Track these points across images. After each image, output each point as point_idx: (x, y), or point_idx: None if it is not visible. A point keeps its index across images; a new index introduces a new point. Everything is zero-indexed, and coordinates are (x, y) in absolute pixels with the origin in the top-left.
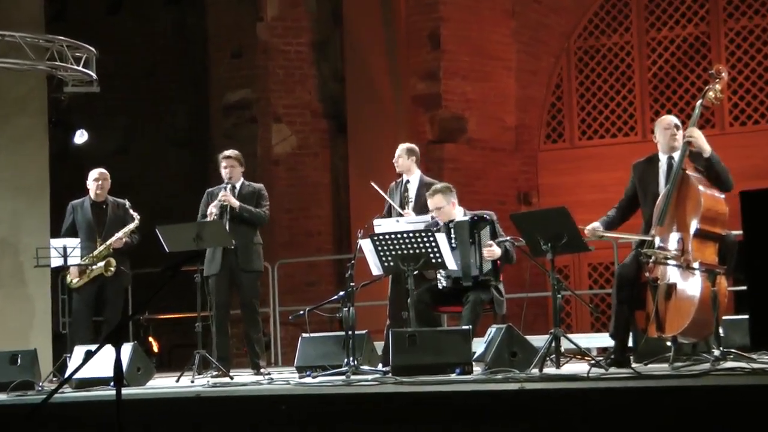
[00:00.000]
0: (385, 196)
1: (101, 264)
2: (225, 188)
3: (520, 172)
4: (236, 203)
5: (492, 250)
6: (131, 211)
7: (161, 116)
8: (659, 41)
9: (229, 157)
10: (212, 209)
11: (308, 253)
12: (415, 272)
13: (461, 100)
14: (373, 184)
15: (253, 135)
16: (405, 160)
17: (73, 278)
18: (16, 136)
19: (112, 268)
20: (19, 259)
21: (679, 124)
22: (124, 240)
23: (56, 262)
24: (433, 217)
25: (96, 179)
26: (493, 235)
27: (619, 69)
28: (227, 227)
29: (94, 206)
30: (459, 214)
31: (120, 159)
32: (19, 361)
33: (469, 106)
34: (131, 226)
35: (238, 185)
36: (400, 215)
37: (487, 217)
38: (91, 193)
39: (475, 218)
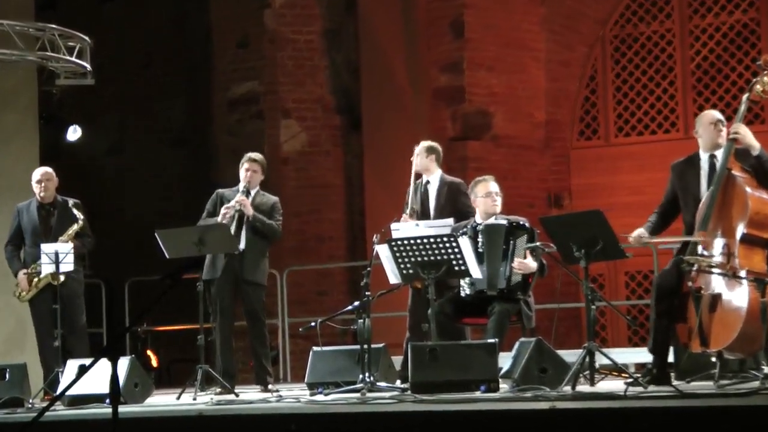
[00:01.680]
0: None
1: (47, 272)
2: (241, 192)
3: (551, 172)
4: (251, 211)
5: (526, 264)
6: (74, 210)
7: (158, 111)
8: (703, 29)
9: (254, 160)
10: (225, 210)
11: (319, 260)
12: (437, 280)
13: (486, 94)
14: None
15: (260, 132)
16: (423, 158)
17: (21, 291)
18: (3, 133)
19: (61, 276)
20: (5, 265)
21: (723, 119)
22: (71, 246)
23: (47, 269)
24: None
25: (38, 181)
26: (532, 250)
27: (660, 59)
28: (242, 235)
29: (40, 208)
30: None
31: (114, 157)
32: (7, 375)
33: (494, 100)
34: (74, 228)
35: (253, 192)
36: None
37: (527, 225)
38: (36, 195)
39: (513, 224)
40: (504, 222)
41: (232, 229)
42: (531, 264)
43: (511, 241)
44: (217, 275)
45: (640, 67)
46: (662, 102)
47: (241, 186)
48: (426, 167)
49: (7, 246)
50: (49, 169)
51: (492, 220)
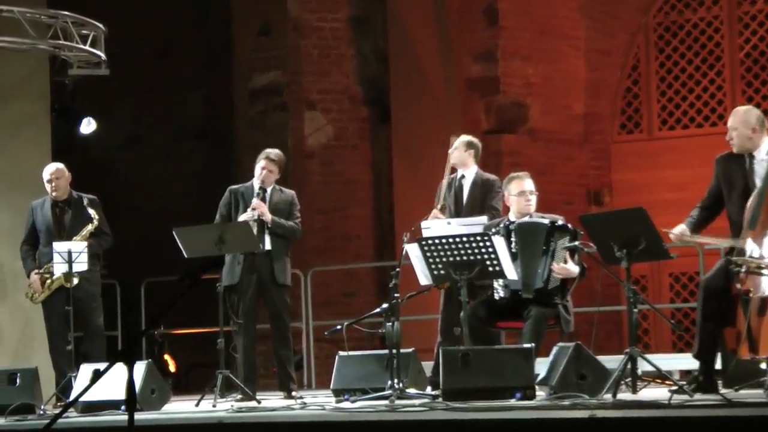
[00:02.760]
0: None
1: (60, 273)
2: (257, 195)
3: (590, 167)
4: (269, 217)
5: (567, 269)
6: (89, 209)
7: (176, 103)
8: (753, 15)
9: (272, 160)
10: (246, 217)
11: (346, 260)
12: (470, 282)
13: (522, 85)
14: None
15: (283, 124)
16: (461, 152)
17: (34, 292)
18: (14, 125)
19: (75, 278)
20: (17, 264)
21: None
22: (85, 245)
23: (60, 268)
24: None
25: (48, 180)
26: (572, 250)
27: (706, 48)
28: (265, 237)
29: (54, 206)
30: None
31: (129, 152)
32: (18, 380)
33: (531, 91)
34: (88, 228)
35: (269, 190)
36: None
37: (570, 226)
38: (50, 193)
39: (555, 224)
40: (545, 221)
41: (255, 230)
42: (573, 269)
43: (552, 243)
44: (236, 280)
45: (686, 56)
46: (709, 93)
47: (256, 185)
48: (463, 162)
49: (23, 245)
50: (59, 166)
51: (526, 219)
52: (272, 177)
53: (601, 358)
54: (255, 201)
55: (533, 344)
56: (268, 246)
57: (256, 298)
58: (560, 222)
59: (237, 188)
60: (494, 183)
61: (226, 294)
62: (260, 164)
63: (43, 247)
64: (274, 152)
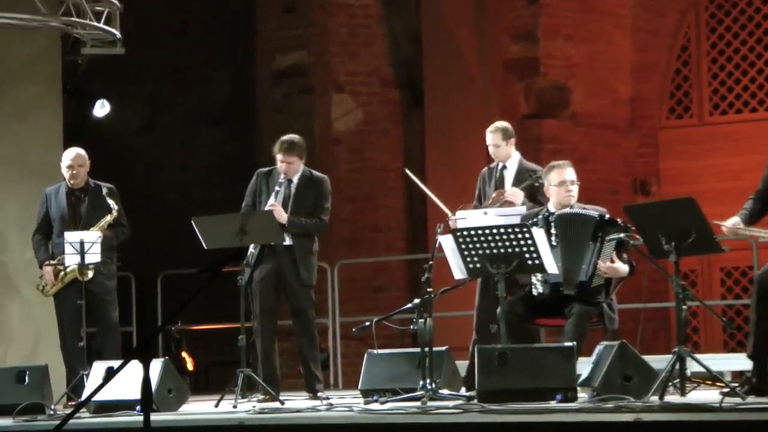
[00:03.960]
0: (425, 189)
1: (73, 266)
2: (275, 193)
3: (637, 154)
4: (285, 218)
5: (615, 269)
6: (108, 199)
7: (195, 85)
8: None
9: (287, 151)
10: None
11: (375, 253)
12: (508, 276)
13: (564, 66)
14: (407, 171)
15: (309, 108)
16: (504, 148)
17: (45, 284)
18: (23, 108)
19: (90, 271)
20: (26, 255)
21: None
22: (101, 235)
23: (71, 259)
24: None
25: (69, 166)
26: (620, 247)
27: (762, 27)
28: (290, 238)
29: (70, 194)
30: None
31: (146, 136)
32: (26, 379)
33: (573, 73)
34: (107, 219)
35: (295, 179)
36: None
37: (620, 222)
38: (66, 180)
39: (605, 218)
40: (594, 214)
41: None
42: (621, 268)
43: (599, 238)
44: (256, 277)
45: (740, 35)
46: (764, 76)
47: (281, 180)
48: (508, 155)
49: (35, 234)
50: (81, 152)
51: (568, 210)
52: (294, 167)
53: (647, 357)
54: (271, 200)
55: (575, 343)
56: (288, 242)
57: (274, 294)
58: (607, 215)
59: (264, 172)
60: (539, 176)
61: (248, 288)
62: (278, 157)
63: (56, 237)
64: (287, 141)
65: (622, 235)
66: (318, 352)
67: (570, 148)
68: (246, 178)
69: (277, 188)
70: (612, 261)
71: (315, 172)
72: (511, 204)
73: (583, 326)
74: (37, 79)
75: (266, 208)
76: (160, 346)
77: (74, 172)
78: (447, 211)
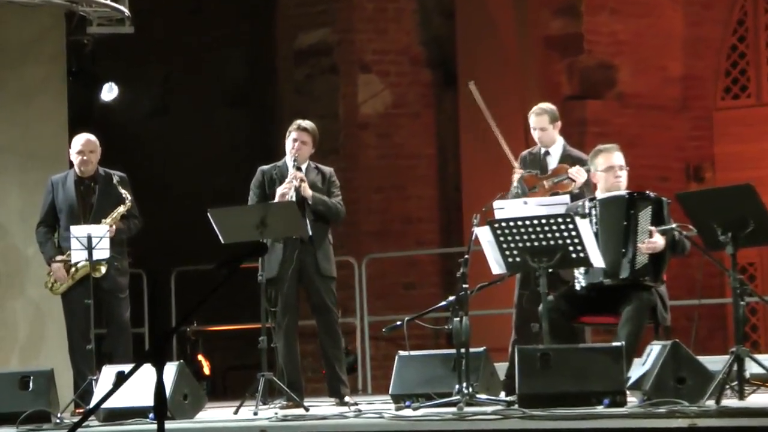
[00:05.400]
0: (491, 123)
1: (84, 262)
2: (293, 167)
3: (689, 137)
4: (309, 192)
5: (654, 243)
6: (120, 189)
7: (211, 65)
8: None
9: (304, 129)
10: (283, 190)
11: (406, 246)
12: (550, 270)
13: (610, 43)
14: (472, 87)
15: (333, 90)
16: (550, 131)
17: (55, 281)
18: (25, 92)
19: (102, 267)
20: (28, 250)
21: None
22: (113, 228)
23: (77, 255)
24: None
25: (80, 152)
26: (658, 221)
27: None
28: (309, 228)
29: (79, 183)
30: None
31: (158, 121)
32: (31, 384)
33: (620, 50)
34: (120, 210)
35: (303, 167)
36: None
37: (651, 194)
38: (75, 168)
39: (634, 194)
40: (623, 192)
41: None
42: (659, 242)
43: (632, 214)
44: (273, 273)
45: None
46: None
47: (290, 161)
48: (553, 139)
49: (39, 227)
50: (92, 138)
51: (606, 194)
52: (306, 150)
53: (702, 358)
54: (292, 171)
55: (627, 342)
56: (310, 232)
57: (296, 291)
58: (648, 192)
59: (269, 168)
60: (585, 164)
61: (268, 286)
62: (291, 135)
63: (64, 230)
64: (305, 122)
65: (674, 225)
66: (343, 353)
67: (616, 132)
68: (265, 163)
69: (294, 164)
70: (650, 236)
71: (321, 166)
72: (572, 182)
73: (641, 322)
74: (39, 61)
75: (291, 178)
76: (174, 349)
77: (85, 158)
78: (514, 162)
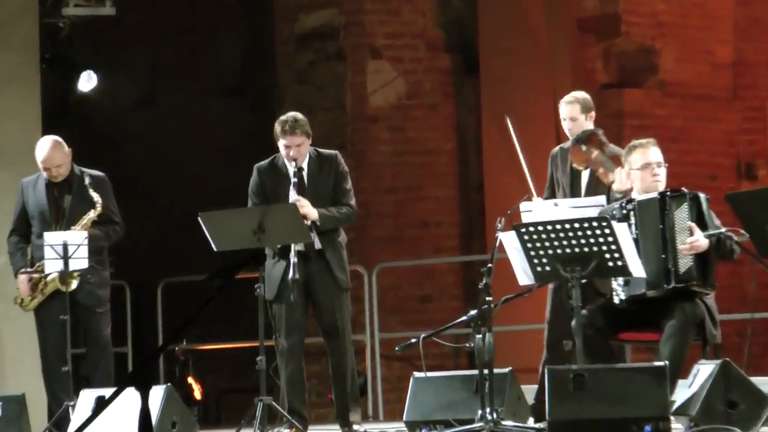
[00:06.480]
0: (519, 153)
1: (54, 274)
2: (293, 184)
3: (741, 131)
4: (315, 214)
5: (695, 243)
6: (91, 191)
7: (203, 51)
8: None
9: (293, 132)
10: None
11: (422, 254)
12: (584, 281)
13: (650, 25)
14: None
15: (340, 78)
16: (582, 123)
17: (23, 296)
18: None
19: (74, 280)
20: (1, 260)
21: None
22: (84, 235)
23: (52, 265)
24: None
25: (45, 168)
26: (698, 220)
27: None
28: (317, 240)
29: (50, 186)
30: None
31: (143, 113)
32: (0, 411)
33: (661, 32)
34: (90, 215)
35: (304, 164)
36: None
37: (684, 190)
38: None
39: (666, 193)
40: (654, 194)
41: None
42: (702, 242)
43: (667, 214)
44: (274, 291)
45: None
46: None
47: (290, 166)
48: (583, 129)
49: (11, 236)
50: (55, 148)
51: (646, 196)
52: (303, 150)
53: (755, 379)
54: (293, 195)
55: (671, 362)
56: (318, 245)
57: (304, 308)
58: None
59: (264, 166)
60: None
61: (270, 306)
62: (281, 143)
63: (36, 238)
64: (289, 119)
65: (723, 230)
66: (355, 376)
67: (658, 125)
68: (263, 159)
69: (294, 179)
70: (691, 233)
71: (322, 150)
72: (607, 175)
73: (686, 338)
74: (9, 47)
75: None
76: (161, 371)
77: (53, 173)
78: (533, 189)
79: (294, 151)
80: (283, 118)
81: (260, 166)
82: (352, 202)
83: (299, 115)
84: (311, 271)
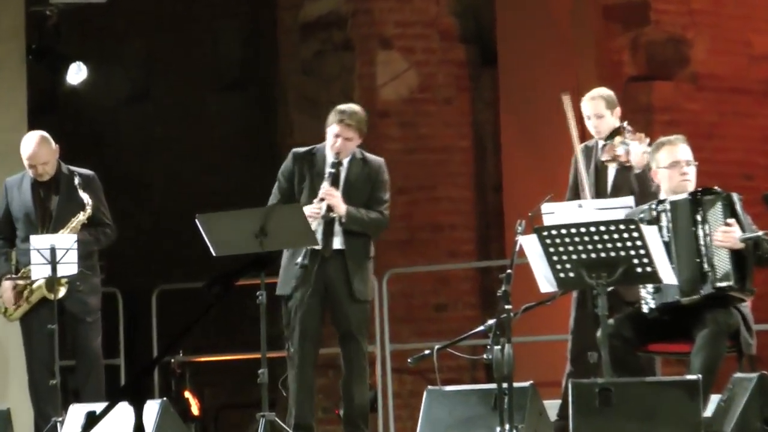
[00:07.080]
0: (573, 133)
1: (40, 281)
2: (328, 175)
3: None
4: (344, 209)
5: (729, 234)
6: (80, 192)
7: (200, 42)
8: None
9: (348, 125)
10: (312, 211)
11: (436, 259)
12: (611, 288)
13: (681, 13)
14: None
15: (347, 70)
16: (608, 119)
17: (7, 305)
18: None
19: (63, 288)
20: None
21: None
22: (74, 239)
23: (39, 271)
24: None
25: (30, 165)
26: (734, 216)
27: None
28: (340, 240)
29: (36, 186)
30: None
31: (136, 108)
32: None
33: (693, 21)
34: (80, 217)
35: (346, 162)
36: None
37: (717, 189)
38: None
39: (697, 192)
40: (685, 195)
41: (319, 233)
42: (737, 233)
43: (699, 215)
44: (288, 291)
45: None
46: None
47: (329, 155)
48: (611, 127)
49: None
50: (42, 143)
51: (680, 197)
52: (351, 145)
53: None
54: (325, 187)
55: (704, 375)
56: (338, 245)
57: (320, 316)
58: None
59: (302, 153)
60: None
61: (284, 307)
62: (333, 130)
63: (21, 242)
64: (349, 110)
65: (760, 233)
66: (366, 390)
67: (689, 120)
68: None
69: (330, 170)
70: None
71: (369, 155)
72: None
73: (719, 350)
74: None
75: (320, 195)
76: (156, 384)
77: (39, 171)
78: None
79: (341, 143)
80: (342, 106)
81: (297, 152)
82: (386, 212)
83: (360, 110)
84: (329, 273)
